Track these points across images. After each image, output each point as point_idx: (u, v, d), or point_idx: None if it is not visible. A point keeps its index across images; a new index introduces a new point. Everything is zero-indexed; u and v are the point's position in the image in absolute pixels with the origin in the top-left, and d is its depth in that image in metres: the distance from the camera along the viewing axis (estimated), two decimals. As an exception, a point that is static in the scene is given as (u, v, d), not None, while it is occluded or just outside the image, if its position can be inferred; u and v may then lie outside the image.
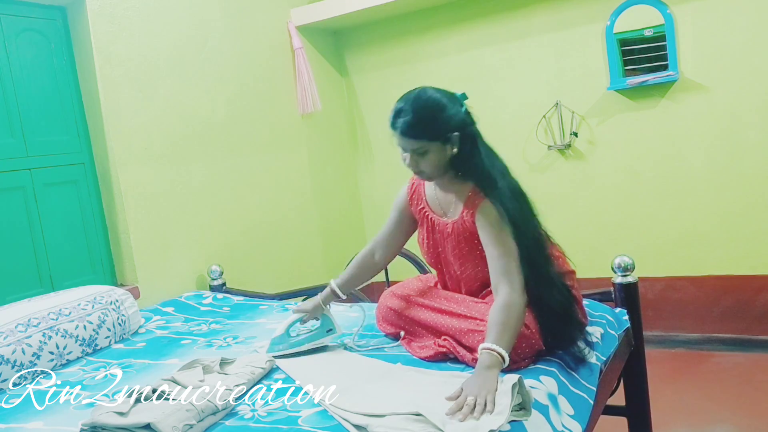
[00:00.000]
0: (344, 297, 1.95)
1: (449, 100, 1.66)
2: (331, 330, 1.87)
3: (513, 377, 1.37)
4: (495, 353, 1.46)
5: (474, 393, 1.36)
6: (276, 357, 1.81)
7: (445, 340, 1.69)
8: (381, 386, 1.53)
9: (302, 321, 1.90)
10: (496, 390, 1.36)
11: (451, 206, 1.76)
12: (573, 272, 1.80)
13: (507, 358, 1.48)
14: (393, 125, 1.66)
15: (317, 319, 1.91)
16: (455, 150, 1.66)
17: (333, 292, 1.93)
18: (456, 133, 1.64)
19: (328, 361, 1.76)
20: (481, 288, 1.78)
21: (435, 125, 1.62)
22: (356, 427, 1.35)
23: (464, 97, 1.69)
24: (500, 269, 1.61)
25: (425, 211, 1.82)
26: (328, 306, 1.92)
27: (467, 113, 1.68)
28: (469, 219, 1.70)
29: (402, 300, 1.86)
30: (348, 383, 1.56)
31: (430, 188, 1.83)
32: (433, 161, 1.66)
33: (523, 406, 1.35)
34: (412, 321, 1.82)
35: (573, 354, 1.64)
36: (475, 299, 1.76)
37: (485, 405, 1.32)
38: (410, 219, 1.89)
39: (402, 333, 1.85)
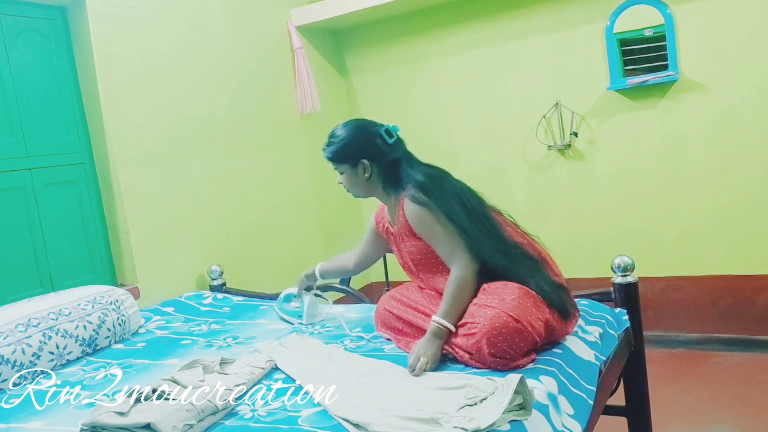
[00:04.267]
0: (320, 280, 2.26)
1: (362, 132, 1.90)
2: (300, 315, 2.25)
3: (515, 377, 1.37)
4: (443, 327, 1.68)
5: (423, 355, 1.64)
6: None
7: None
8: (381, 386, 1.54)
9: (295, 296, 2.27)
10: (436, 356, 1.65)
11: (396, 216, 1.92)
12: (545, 259, 1.83)
13: (453, 329, 1.69)
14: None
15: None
16: (368, 174, 1.89)
17: (313, 272, 2.24)
18: (365, 160, 1.87)
19: (328, 361, 1.77)
20: (438, 278, 1.85)
21: (342, 151, 1.91)
22: (356, 426, 1.35)
23: (395, 129, 1.90)
24: (444, 254, 1.79)
25: (388, 228, 1.99)
26: (312, 282, 2.26)
27: (396, 142, 1.89)
28: (403, 219, 1.86)
29: (399, 303, 1.94)
30: (348, 383, 1.56)
31: (386, 208, 1.99)
32: (348, 180, 1.94)
33: (523, 405, 1.35)
34: (409, 324, 1.87)
35: (560, 306, 1.71)
36: None
37: (426, 365, 1.62)
38: (381, 239, 2.09)
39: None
